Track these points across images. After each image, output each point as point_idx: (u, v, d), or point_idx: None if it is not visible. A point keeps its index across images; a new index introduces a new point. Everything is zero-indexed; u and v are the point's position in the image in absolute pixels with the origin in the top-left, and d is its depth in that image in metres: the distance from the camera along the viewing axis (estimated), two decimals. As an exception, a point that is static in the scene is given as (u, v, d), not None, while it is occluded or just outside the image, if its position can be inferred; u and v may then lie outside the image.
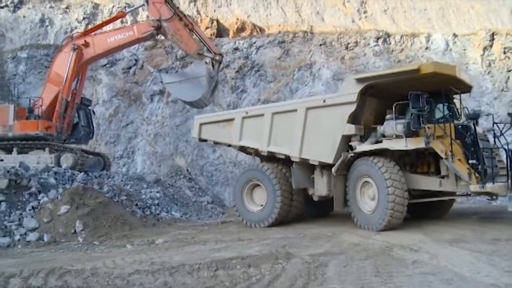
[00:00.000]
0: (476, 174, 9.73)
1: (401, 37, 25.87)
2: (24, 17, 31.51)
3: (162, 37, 18.43)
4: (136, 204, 14.22)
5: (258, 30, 31.34)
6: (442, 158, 10.06)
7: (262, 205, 12.45)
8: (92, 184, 13.83)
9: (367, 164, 10.55)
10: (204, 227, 13.05)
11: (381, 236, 9.50)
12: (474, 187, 9.69)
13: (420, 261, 7.08)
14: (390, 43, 25.70)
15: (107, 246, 9.90)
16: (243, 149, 13.78)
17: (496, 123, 10.76)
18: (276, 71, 25.64)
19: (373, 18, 31.15)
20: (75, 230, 10.89)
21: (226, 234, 11.16)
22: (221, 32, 30.89)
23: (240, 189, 12.84)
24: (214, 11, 32.86)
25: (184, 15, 16.96)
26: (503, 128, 10.67)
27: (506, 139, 10.63)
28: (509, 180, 10.01)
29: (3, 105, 17.18)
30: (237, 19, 31.86)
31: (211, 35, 29.19)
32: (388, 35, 26.06)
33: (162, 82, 17.64)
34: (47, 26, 31.56)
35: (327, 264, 7.00)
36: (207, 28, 30.09)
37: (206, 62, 15.95)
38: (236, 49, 26.53)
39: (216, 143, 14.58)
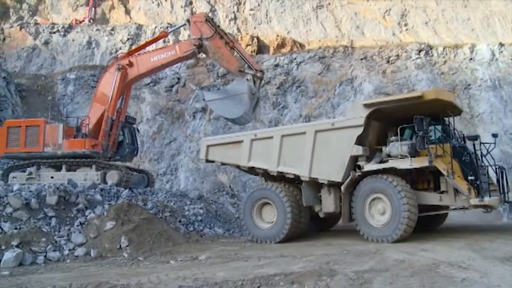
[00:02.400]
0: (474, 190, 10.77)
1: (444, 49, 25.33)
2: (73, 40, 32.90)
3: (204, 55, 18.72)
4: (180, 221, 14.37)
5: (298, 46, 31.51)
6: (443, 175, 11.05)
7: (272, 222, 12.93)
8: (137, 201, 14.10)
9: (380, 182, 11.41)
10: (247, 243, 13.02)
11: (427, 253, 9.23)
12: (474, 200, 10.71)
13: (470, 279, 6.80)
14: (433, 55, 25.19)
15: (151, 261, 10.02)
16: (251, 169, 14.28)
17: (483, 143, 11.77)
18: (317, 86, 25.58)
19: (414, 30, 30.74)
20: (120, 246, 11.08)
21: (269, 250, 11.09)
22: (262, 48, 31.23)
23: (249, 208, 13.30)
24: (255, 28, 33.29)
25: (225, 33, 17.09)
26: (489, 148, 11.69)
27: (493, 158, 11.73)
28: (502, 194, 11.50)
29: (53, 125, 17.71)
30: (277, 36, 32.13)
31: (251, 52, 29.53)
32: (430, 47, 25.57)
33: (204, 100, 17.84)
34: (94, 47, 32.81)
35: (372, 282, 6.83)
36: (247, 45, 30.50)
37: (247, 79, 15.96)
38: (277, 65, 26.66)
39: (223, 164, 15.21)
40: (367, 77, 25.13)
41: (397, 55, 25.63)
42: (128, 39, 32.83)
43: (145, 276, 7.89)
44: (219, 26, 17.22)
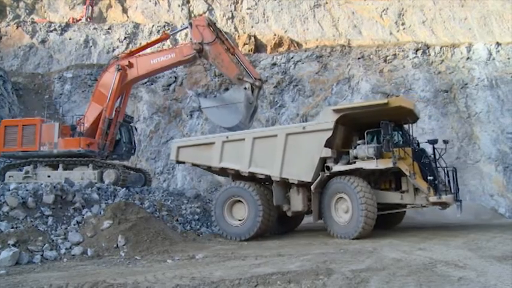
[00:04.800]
0: (433, 188, 11.80)
1: (441, 48, 25.34)
2: (70, 39, 32.82)
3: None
4: (177, 220, 14.37)
5: (296, 45, 31.49)
6: (405, 175, 12.05)
7: (242, 220, 13.53)
8: (134, 200, 14.09)
9: (343, 183, 12.27)
10: (244, 242, 13.05)
11: (424, 252, 9.25)
12: (433, 198, 11.72)
13: (466, 278, 6.82)
14: (430, 54, 25.19)
15: (148, 260, 10.01)
16: (222, 170, 14.76)
17: (436, 148, 12.76)
18: (314, 85, 25.57)
19: (411, 29, 30.77)
20: (117, 245, 11.07)
21: (266, 249, 11.10)
22: (259, 47, 31.18)
23: (221, 205, 13.85)
24: (252, 27, 33.25)
25: (226, 39, 16.93)
26: (441, 152, 12.66)
27: (444, 161, 12.70)
28: (455, 193, 12.63)
29: (49, 124, 17.68)
30: (275, 35, 32.10)
31: (249, 51, 29.48)
32: (428, 47, 25.58)
33: (200, 107, 17.88)
34: (91, 46, 32.74)
35: (369, 281, 6.85)
36: (244, 44, 30.46)
37: (245, 88, 15.87)
38: (274, 64, 26.64)
39: (194, 165, 15.56)
40: (364, 76, 25.13)
41: (394, 54, 25.62)
42: (125, 38, 32.75)
43: (142, 275, 7.89)
44: (220, 31, 17.10)
